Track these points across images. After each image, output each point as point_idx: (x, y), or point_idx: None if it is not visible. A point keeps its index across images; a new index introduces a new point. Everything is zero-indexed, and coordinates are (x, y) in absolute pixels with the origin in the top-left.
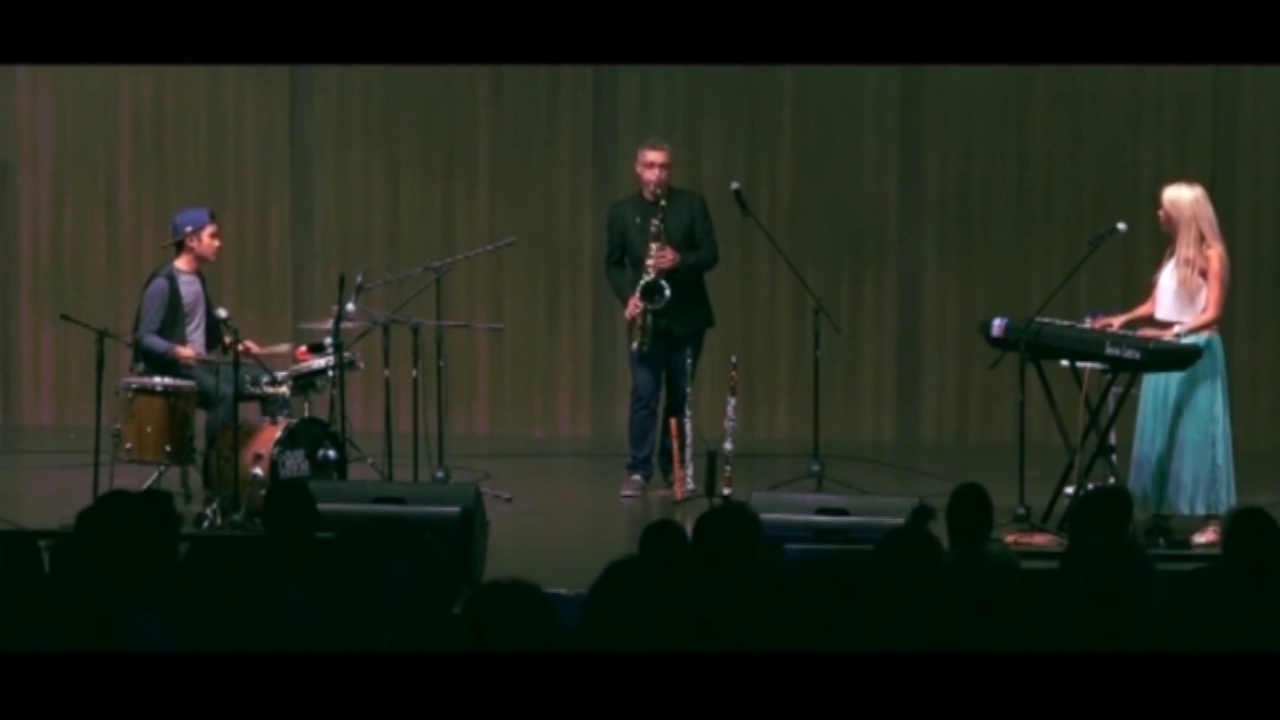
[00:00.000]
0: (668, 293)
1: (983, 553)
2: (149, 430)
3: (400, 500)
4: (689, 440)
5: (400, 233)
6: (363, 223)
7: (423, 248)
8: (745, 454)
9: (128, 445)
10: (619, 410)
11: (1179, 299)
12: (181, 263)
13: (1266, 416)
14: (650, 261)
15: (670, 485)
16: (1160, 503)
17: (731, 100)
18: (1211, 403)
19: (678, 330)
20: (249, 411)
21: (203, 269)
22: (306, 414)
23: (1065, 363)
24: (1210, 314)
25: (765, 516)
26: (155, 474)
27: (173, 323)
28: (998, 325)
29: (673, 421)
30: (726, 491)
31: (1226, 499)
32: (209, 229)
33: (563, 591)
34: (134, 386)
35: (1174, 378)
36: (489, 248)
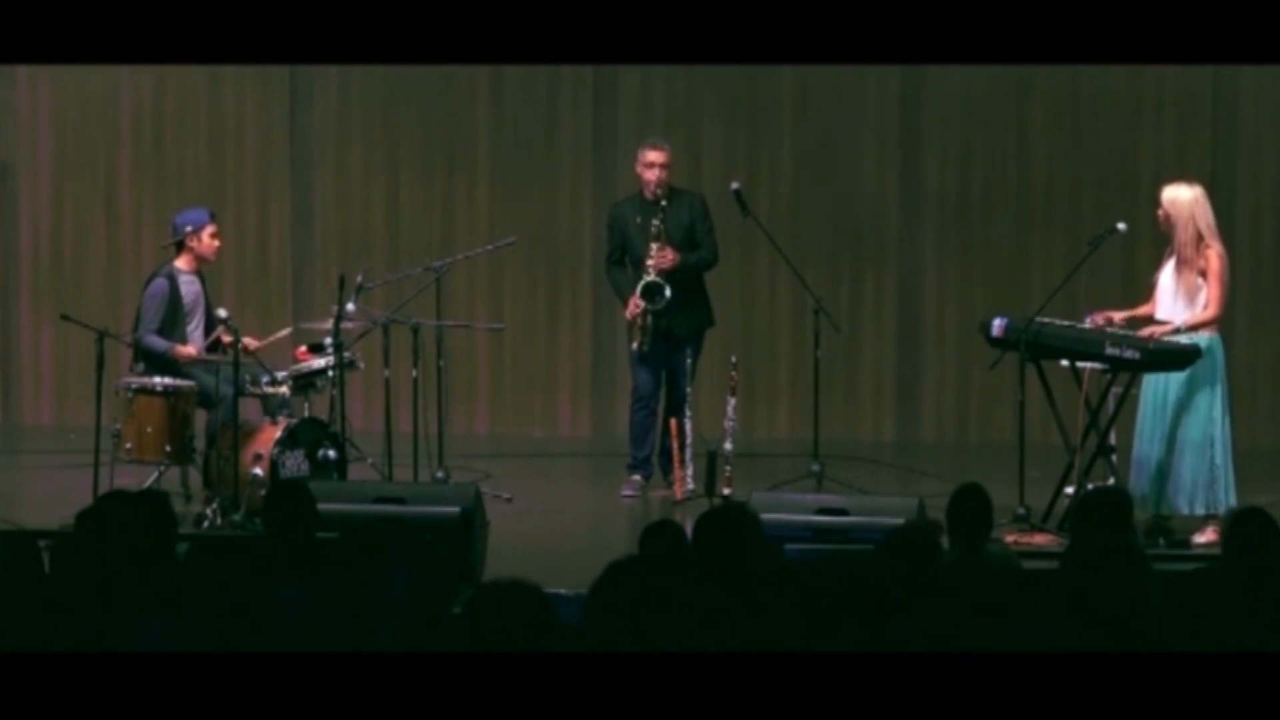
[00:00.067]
0: (668, 292)
1: (983, 553)
2: (149, 430)
3: (400, 500)
4: (689, 440)
5: (400, 233)
6: (363, 223)
7: (423, 248)
8: (745, 454)
9: (128, 445)
10: (619, 410)
11: (1179, 299)
12: (181, 262)
13: (1266, 416)
14: (650, 261)
15: (670, 485)
16: (1160, 503)
17: (731, 100)
18: (1211, 403)
19: (678, 330)
20: (249, 411)
21: (203, 269)
22: (306, 414)
23: (1065, 363)
24: (1211, 311)
25: (765, 516)
26: (155, 474)
27: (173, 322)
28: (998, 325)
29: (673, 421)
30: (726, 491)
31: (1226, 499)
32: (209, 229)
33: (563, 591)
34: (134, 386)
35: (1174, 378)
36: (489, 248)
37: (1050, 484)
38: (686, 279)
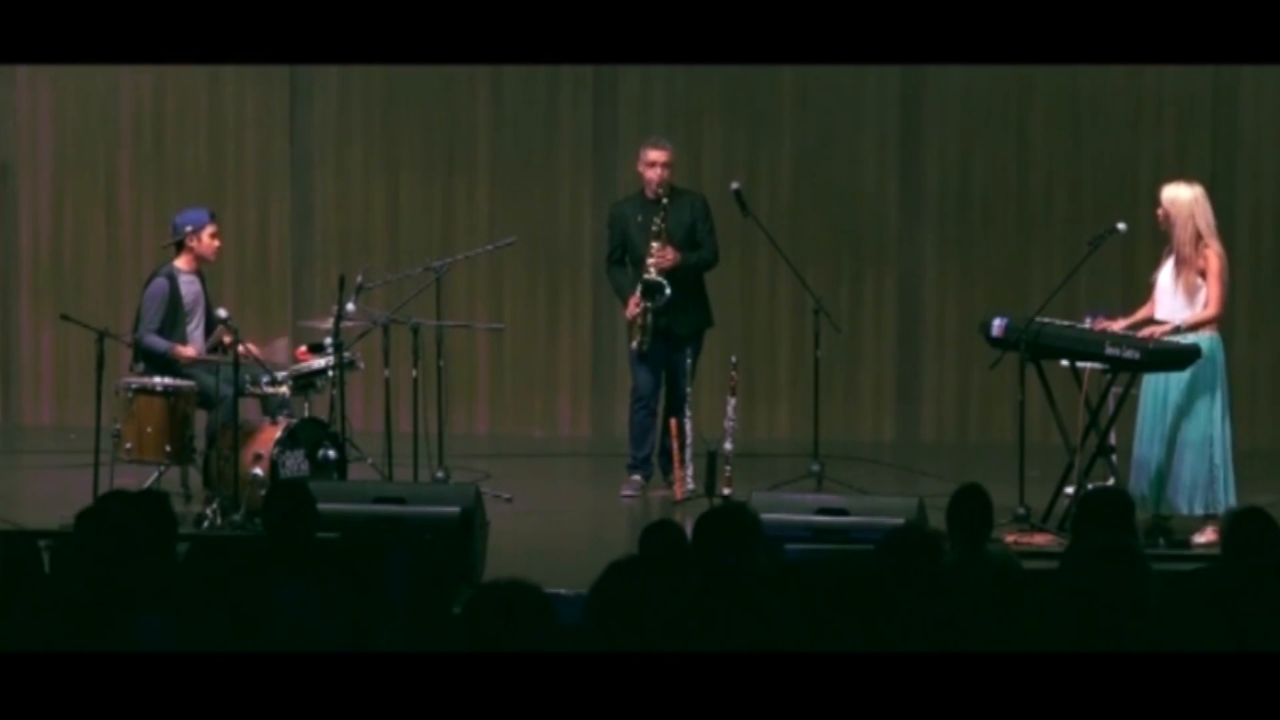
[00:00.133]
0: (668, 292)
1: (983, 553)
2: (149, 430)
3: (400, 500)
4: (689, 440)
5: (400, 233)
6: (363, 223)
7: (423, 248)
8: (745, 454)
9: (128, 445)
10: (619, 410)
11: (1178, 299)
12: (181, 262)
13: (1266, 416)
14: (651, 260)
15: (670, 485)
16: (1160, 503)
17: (731, 100)
18: (1211, 404)
19: (678, 330)
20: (249, 411)
21: (203, 269)
22: (306, 414)
23: (1065, 363)
24: (1211, 311)
25: (765, 516)
26: (155, 474)
27: (173, 322)
28: (998, 325)
29: (673, 421)
30: (726, 491)
31: (1225, 499)
32: (209, 229)
33: (563, 591)
34: (134, 386)
35: (1174, 378)
36: (489, 248)
37: (1050, 484)
38: (687, 279)
